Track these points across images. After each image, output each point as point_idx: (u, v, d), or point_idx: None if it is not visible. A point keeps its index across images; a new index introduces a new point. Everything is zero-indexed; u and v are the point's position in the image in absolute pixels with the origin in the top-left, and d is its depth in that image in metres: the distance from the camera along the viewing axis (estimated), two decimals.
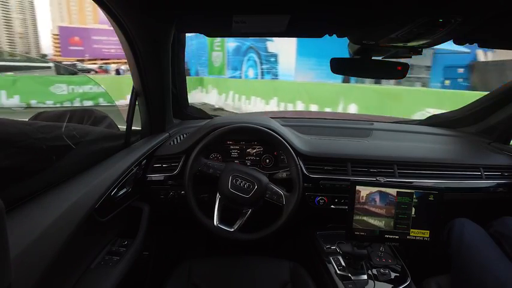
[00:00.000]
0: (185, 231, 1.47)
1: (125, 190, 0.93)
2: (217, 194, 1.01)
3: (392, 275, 0.96)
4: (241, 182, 0.99)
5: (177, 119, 1.44)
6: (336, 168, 1.14)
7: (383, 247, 1.05)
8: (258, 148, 1.22)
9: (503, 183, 1.17)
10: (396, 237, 0.92)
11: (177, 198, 1.15)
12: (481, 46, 0.95)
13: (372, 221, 0.92)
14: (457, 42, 0.90)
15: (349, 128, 1.42)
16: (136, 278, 1.00)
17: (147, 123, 1.20)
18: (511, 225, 0.97)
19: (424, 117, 1.64)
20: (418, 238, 0.91)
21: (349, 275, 0.95)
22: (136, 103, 1.10)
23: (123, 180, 0.90)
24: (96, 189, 0.77)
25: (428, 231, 0.91)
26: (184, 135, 1.25)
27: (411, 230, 0.91)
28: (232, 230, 0.97)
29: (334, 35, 0.99)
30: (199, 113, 1.56)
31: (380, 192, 0.91)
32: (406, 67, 0.97)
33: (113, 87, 6.97)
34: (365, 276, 0.94)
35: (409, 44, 0.88)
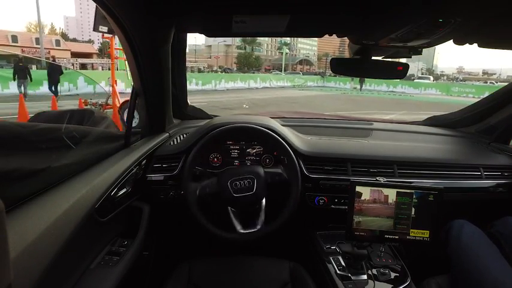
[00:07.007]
0: (185, 231, 1.46)
1: (124, 190, 0.93)
2: (228, 208, 1.00)
3: (392, 275, 0.95)
4: (241, 182, 0.98)
5: (177, 119, 1.44)
6: (335, 168, 1.14)
7: (383, 247, 1.04)
8: (258, 148, 1.22)
9: (503, 183, 1.17)
10: (396, 237, 0.92)
11: (177, 198, 1.15)
12: (480, 46, 0.95)
13: (371, 221, 0.91)
14: (457, 42, 0.90)
15: (349, 128, 1.42)
16: (136, 278, 1.00)
17: (147, 124, 1.20)
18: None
19: None
20: (418, 238, 0.91)
21: (349, 275, 0.95)
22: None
23: (123, 180, 0.90)
24: (96, 189, 0.77)
25: (428, 231, 0.91)
26: (184, 135, 1.25)
27: (411, 230, 0.91)
28: (258, 228, 0.96)
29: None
30: (199, 113, 1.56)
31: (380, 192, 0.91)
32: (406, 67, 0.97)
33: None
34: (365, 276, 0.94)
35: (409, 44, 0.88)
